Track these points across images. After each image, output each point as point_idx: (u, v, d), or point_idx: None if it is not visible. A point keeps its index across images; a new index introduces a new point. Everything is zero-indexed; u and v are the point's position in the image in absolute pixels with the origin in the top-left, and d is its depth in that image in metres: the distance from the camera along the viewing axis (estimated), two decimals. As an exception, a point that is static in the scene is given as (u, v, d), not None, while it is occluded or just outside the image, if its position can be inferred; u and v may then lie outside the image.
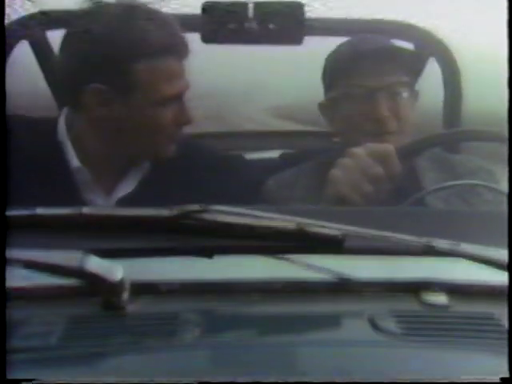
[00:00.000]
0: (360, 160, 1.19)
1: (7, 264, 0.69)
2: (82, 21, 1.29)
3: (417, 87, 1.42)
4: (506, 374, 0.59)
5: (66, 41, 1.31)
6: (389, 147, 1.21)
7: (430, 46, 1.61)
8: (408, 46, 1.59)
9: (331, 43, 1.40)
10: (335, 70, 1.35)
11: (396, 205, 1.19)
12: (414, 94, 1.37)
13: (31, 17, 1.57)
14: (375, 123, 1.30)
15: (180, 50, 1.28)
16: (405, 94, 1.32)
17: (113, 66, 1.23)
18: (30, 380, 0.57)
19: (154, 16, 1.27)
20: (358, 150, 1.21)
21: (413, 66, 1.37)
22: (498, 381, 0.57)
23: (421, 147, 1.27)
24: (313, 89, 1.42)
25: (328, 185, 1.22)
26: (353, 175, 1.18)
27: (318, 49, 1.44)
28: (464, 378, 0.58)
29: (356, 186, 1.18)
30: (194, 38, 1.36)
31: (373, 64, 1.30)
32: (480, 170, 1.33)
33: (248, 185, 1.38)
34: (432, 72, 1.64)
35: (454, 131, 1.47)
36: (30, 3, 1.60)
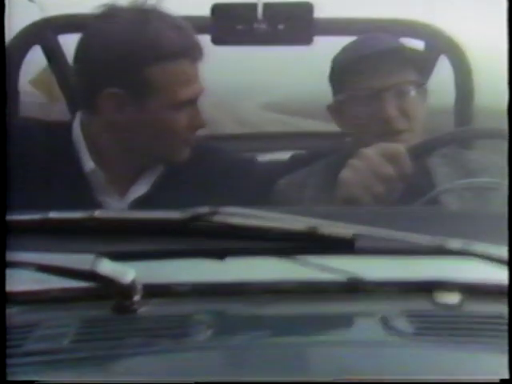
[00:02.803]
0: (370, 160, 1.19)
1: (19, 267, 0.70)
2: (95, 25, 1.30)
3: (428, 85, 1.41)
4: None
5: (80, 45, 1.31)
6: (399, 147, 1.21)
7: (440, 44, 1.61)
8: (418, 44, 1.59)
9: (341, 43, 1.40)
10: (342, 72, 1.35)
11: (410, 202, 1.19)
12: (424, 93, 1.36)
13: (43, 22, 1.58)
14: (384, 123, 1.29)
15: (194, 53, 1.29)
16: (413, 93, 1.31)
17: (128, 70, 1.24)
18: (32, 381, 0.57)
19: (167, 19, 1.28)
20: (369, 151, 1.20)
21: (421, 64, 1.36)
22: (498, 381, 0.57)
23: (432, 146, 1.27)
24: (322, 88, 1.42)
25: (339, 186, 1.21)
26: (363, 176, 1.18)
27: (328, 48, 1.44)
28: (463, 379, 0.58)
29: (367, 187, 1.18)
30: (203, 40, 1.36)
31: (379, 64, 1.29)
32: (493, 167, 1.32)
33: (260, 186, 1.38)
34: (443, 70, 1.63)
35: (464, 129, 1.46)
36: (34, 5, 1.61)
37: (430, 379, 0.59)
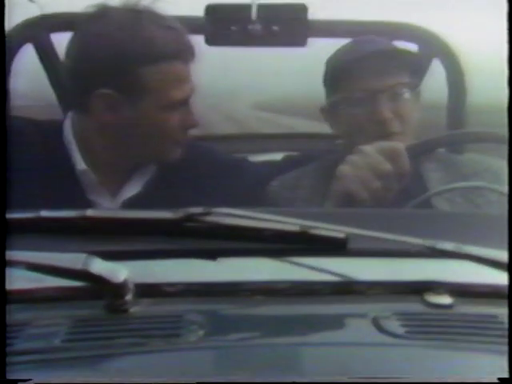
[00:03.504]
0: (369, 157, 1.19)
1: (11, 266, 0.70)
2: (88, 25, 1.30)
3: (421, 88, 1.42)
4: (507, 374, 0.59)
5: (72, 45, 1.31)
6: (399, 145, 1.21)
7: (433, 47, 1.61)
8: (412, 47, 1.59)
9: (335, 45, 1.40)
10: (336, 73, 1.35)
11: (402, 204, 1.19)
12: (417, 95, 1.36)
13: (35, 20, 1.57)
14: (378, 125, 1.30)
15: (187, 54, 1.29)
16: (407, 95, 1.32)
17: (120, 70, 1.24)
18: (26, 380, 0.57)
19: (160, 20, 1.28)
20: (368, 148, 1.20)
21: (414, 66, 1.36)
22: (496, 381, 0.57)
23: (431, 147, 1.27)
24: (316, 89, 1.42)
25: (336, 180, 1.21)
26: (361, 171, 1.18)
27: (322, 50, 1.44)
28: (461, 378, 0.58)
29: (364, 183, 1.17)
30: (197, 40, 1.36)
31: (373, 66, 1.30)
32: (486, 171, 1.32)
33: (252, 187, 1.38)
34: (436, 72, 1.64)
35: (463, 132, 1.47)
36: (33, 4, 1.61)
37: (422, 380, 0.59)
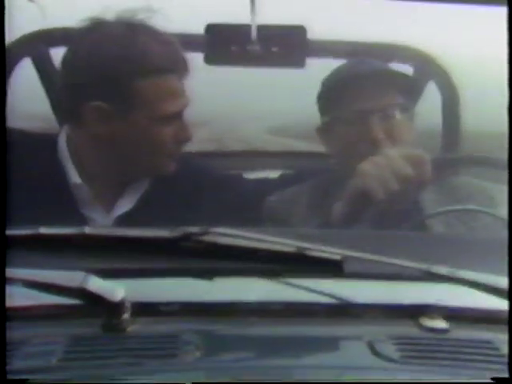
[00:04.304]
0: (392, 159, 1.18)
1: (8, 283, 0.70)
2: (82, 37, 1.30)
3: (415, 109, 1.43)
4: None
5: (67, 57, 1.31)
6: (423, 154, 1.21)
7: (429, 70, 1.62)
8: (408, 68, 1.61)
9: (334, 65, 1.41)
10: (329, 94, 1.36)
11: (397, 226, 1.19)
12: (411, 116, 1.37)
13: (34, 34, 1.58)
14: (369, 145, 1.30)
15: (181, 69, 1.29)
16: (400, 116, 1.33)
17: (113, 83, 1.24)
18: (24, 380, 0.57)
19: (154, 34, 1.28)
20: (392, 151, 1.21)
21: (408, 88, 1.37)
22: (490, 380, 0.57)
23: (453, 163, 1.27)
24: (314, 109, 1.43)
25: (355, 176, 1.20)
26: (382, 172, 1.17)
27: (320, 70, 1.45)
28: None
29: (383, 183, 1.16)
30: (197, 58, 1.37)
31: (365, 86, 1.30)
32: (480, 195, 1.33)
33: (247, 204, 1.38)
34: (431, 94, 1.65)
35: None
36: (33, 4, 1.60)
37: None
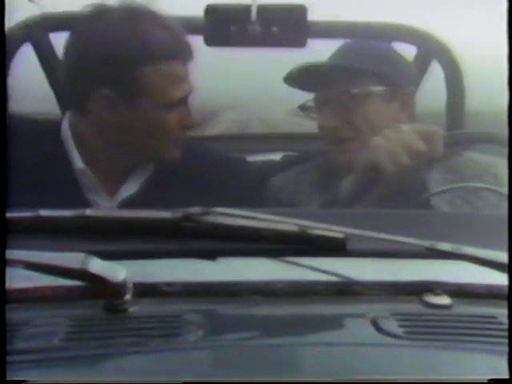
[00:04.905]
0: (405, 134, 1.18)
1: (9, 265, 0.70)
2: (85, 24, 1.30)
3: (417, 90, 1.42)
4: (507, 375, 0.59)
5: (70, 44, 1.31)
6: (437, 129, 1.20)
7: (432, 49, 1.61)
8: (410, 48, 1.59)
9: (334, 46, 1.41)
10: (311, 77, 1.35)
11: (401, 205, 1.19)
12: (405, 97, 1.35)
13: (34, 19, 1.57)
14: (328, 132, 1.32)
15: (185, 54, 1.29)
16: (365, 100, 1.32)
17: (117, 70, 1.24)
18: (21, 381, 0.57)
19: (158, 20, 1.28)
20: (405, 126, 1.20)
21: (398, 70, 1.36)
22: (486, 381, 0.57)
23: (466, 140, 1.27)
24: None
25: (367, 150, 1.20)
26: (394, 145, 1.17)
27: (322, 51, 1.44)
28: (453, 379, 0.58)
29: (394, 157, 1.16)
30: (197, 41, 1.37)
31: (328, 74, 1.31)
32: (485, 173, 1.32)
33: (250, 186, 1.38)
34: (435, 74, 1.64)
35: (500, 133, 1.45)
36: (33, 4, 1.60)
37: (420, 380, 0.59)
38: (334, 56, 1.38)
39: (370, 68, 1.33)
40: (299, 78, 1.35)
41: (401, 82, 1.37)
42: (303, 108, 1.39)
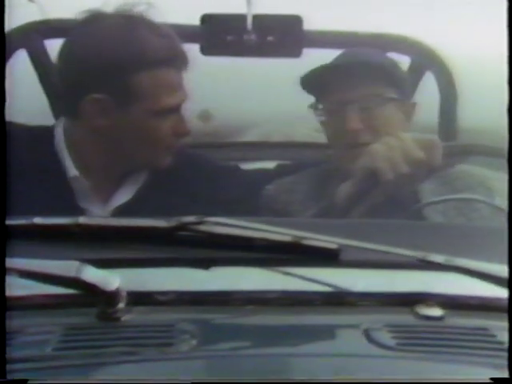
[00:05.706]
0: (404, 142, 1.18)
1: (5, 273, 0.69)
2: (80, 30, 1.30)
3: (411, 100, 1.42)
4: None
5: (64, 49, 1.31)
6: (436, 139, 1.21)
7: (426, 61, 1.62)
8: (405, 59, 1.60)
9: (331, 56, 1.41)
10: (313, 85, 1.35)
11: (394, 215, 1.19)
12: (400, 106, 1.36)
13: (30, 25, 1.57)
14: (347, 135, 1.30)
15: (179, 61, 1.29)
16: (381, 106, 1.31)
17: (112, 76, 1.24)
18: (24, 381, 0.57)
19: (152, 27, 1.28)
20: (405, 135, 1.20)
21: (395, 78, 1.36)
22: (489, 380, 0.58)
23: (466, 151, 1.27)
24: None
25: (365, 155, 1.20)
26: (393, 153, 1.17)
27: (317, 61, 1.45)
28: (453, 379, 0.58)
29: (393, 164, 1.16)
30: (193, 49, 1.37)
31: (343, 76, 1.30)
32: (479, 186, 1.33)
33: (244, 195, 1.38)
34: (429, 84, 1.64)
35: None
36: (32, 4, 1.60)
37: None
38: (339, 60, 1.36)
39: (384, 71, 1.33)
40: (316, 79, 1.33)
41: (406, 91, 1.37)
42: (313, 108, 1.37)
